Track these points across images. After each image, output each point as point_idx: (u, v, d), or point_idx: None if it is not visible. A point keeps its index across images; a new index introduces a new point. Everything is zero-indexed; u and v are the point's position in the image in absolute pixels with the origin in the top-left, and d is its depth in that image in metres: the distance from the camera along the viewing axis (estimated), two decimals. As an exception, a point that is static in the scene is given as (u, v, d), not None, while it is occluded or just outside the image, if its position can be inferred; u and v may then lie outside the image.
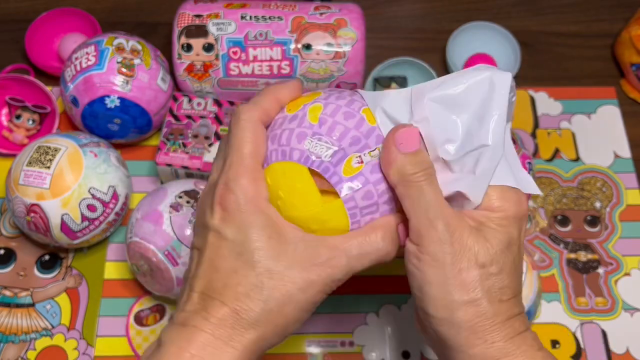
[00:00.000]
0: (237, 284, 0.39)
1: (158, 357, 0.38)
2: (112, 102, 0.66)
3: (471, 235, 0.39)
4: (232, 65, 0.69)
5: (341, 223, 0.41)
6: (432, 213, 0.39)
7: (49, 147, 0.62)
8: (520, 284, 0.41)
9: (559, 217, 0.71)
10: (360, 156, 0.41)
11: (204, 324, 0.38)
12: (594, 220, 0.71)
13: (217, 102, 0.70)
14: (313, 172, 0.41)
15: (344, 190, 0.41)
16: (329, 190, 0.41)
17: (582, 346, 0.65)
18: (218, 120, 0.68)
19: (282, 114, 0.44)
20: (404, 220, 0.42)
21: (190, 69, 0.70)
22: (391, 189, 0.41)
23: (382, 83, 0.75)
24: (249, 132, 0.41)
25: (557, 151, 0.75)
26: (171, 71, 0.72)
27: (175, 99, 0.70)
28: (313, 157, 0.41)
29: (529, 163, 0.63)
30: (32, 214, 0.61)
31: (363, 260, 0.41)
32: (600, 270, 0.68)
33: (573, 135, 0.76)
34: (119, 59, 0.66)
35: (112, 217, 0.64)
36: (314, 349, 0.64)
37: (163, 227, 0.59)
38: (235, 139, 0.41)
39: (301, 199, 0.41)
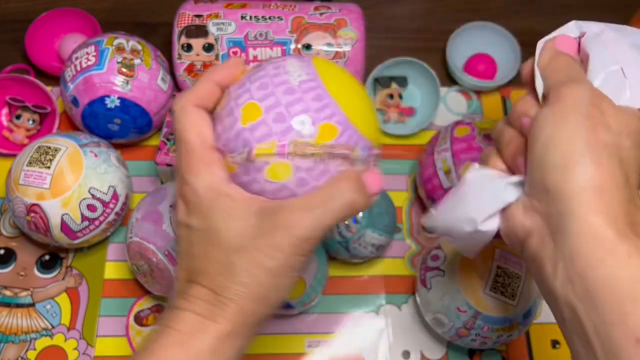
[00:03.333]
0: (209, 265, 0.40)
1: (150, 338, 0.40)
2: (112, 102, 0.66)
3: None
4: (232, 65, 0.69)
5: None
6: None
7: (49, 147, 0.62)
8: None
9: (559, 217, 0.71)
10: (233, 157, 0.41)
11: (187, 305, 0.40)
12: (594, 220, 0.71)
13: (217, 102, 0.70)
14: None
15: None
16: None
17: (582, 346, 0.65)
18: (218, 120, 0.68)
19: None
20: (369, 170, 0.41)
21: (190, 69, 0.70)
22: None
23: (382, 83, 0.75)
24: (185, 119, 0.41)
25: (557, 151, 0.75)
26: (171, 71, 0.72)
27: (175, 99, 0.70)
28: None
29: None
30: (32, 214, 0.61)
31: (330, 214, 0.40)
32: (600, 270, 0.68)
33: (573, 135, 0.76)
34: (119, 59, 0.66)
35: (112, 217, 0.64)
36: (314, 349, 0.64)
37: (163, 227, 0.59)
38: (176, 132, 0.42)
39: None
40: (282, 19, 0.69)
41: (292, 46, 0.69)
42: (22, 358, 0.63)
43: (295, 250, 0.39)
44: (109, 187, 0.63)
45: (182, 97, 0.42)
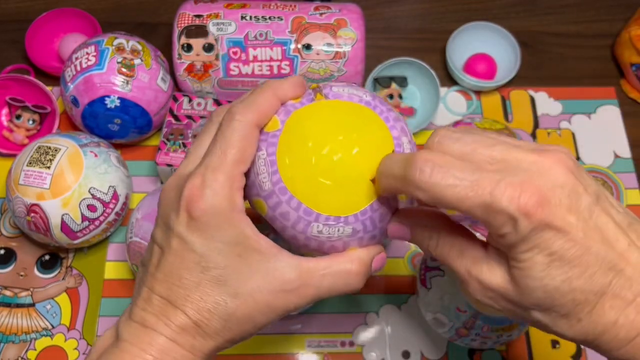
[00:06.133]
0: (199, 298, 0.38)
1: (118, 354, 0.38)
2: (112, 102, 0.66)
3: None
4: (232, 65, 0.69)
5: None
6: None
7: (49, 147, 0.62)
8: None
9: (558, 217, 0.71)
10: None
11: (166, 330, 0.38)
12: (594, 220, 0.71)
13: (217, 102, 0.70)
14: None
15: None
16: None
17: (581, 346, 0.65)
18: (218, 120, 0.68)
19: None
20: (380, 252, 0.43)
21: (190, 69, 0.70)
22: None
23: (382, 83, 0.75)
24: (239, 135, 0.37)
25: (557, 151, 0.75)
26: (171, 71, 0.72)
27: (175, 99, 0.70)
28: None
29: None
30: (33, 214, 0.61)
31: (331, 292, 0.40)
32: (600, 270, 0.68)
33: (573, 135, 0.76)
34: (119, 59, 0.66)
35: (112, 217, 0.64)
36: (314, 349, 0.64)
37: (163, 227, 0.59)
38: (223, 139, 0.37)
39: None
40: (282, 19, 0.69)
41: (292, 46, 0.69)
42: (22, 358, 0.63)
43: (285, 313, 0.39)
44: (109, 187, 0.63)
45: (245, 111, 0.38)
